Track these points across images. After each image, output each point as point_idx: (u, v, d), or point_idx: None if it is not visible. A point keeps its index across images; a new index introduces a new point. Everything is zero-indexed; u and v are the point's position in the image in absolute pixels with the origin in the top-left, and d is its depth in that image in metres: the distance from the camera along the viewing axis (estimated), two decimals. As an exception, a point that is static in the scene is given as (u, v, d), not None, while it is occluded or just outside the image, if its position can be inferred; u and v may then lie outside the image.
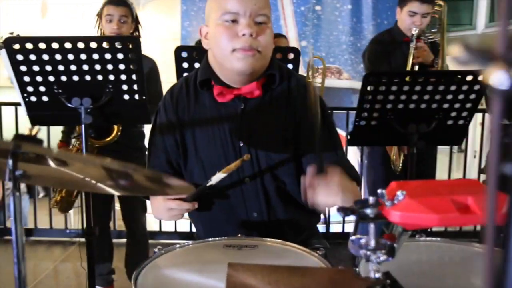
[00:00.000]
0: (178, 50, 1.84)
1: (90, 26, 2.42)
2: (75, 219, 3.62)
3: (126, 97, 1.85)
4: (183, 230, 3.54)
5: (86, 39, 1.75)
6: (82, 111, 1.82)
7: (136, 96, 1.85)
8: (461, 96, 1.87)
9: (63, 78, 1.81)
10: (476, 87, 1.85)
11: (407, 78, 1.83)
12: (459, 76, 1.82)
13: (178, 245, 1.12)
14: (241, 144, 1.30)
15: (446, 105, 1.89)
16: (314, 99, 1.15)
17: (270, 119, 1.31)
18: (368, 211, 0.73)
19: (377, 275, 0.71)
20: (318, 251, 1.07)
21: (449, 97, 1.87)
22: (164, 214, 1.27)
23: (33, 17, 5.21)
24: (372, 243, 0.73)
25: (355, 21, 4.82)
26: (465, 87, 1.85)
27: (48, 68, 1.78)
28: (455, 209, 0.70)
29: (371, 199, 0.73)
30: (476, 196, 0.72)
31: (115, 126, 2.19)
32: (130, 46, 1.75)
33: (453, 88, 1.85)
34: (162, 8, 5.05)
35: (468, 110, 1.92)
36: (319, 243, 1.39)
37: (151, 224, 2.59)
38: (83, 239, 3.42)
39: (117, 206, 2.61)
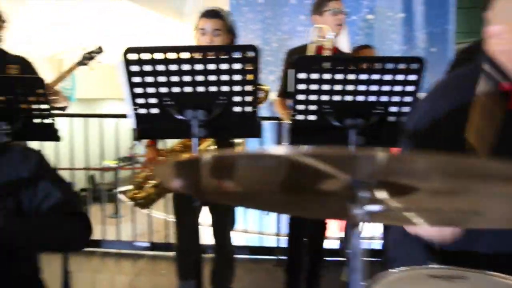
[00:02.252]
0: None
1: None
2: (125, 229, 3.58)
3: (237, 109, 1.78)
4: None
5: (203, 49, 1.69)
6: (195, 124, 1.75)
7: (249, 109, 1.78)
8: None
9: (176, 89, 1.74)
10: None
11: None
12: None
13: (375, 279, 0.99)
14: None
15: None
16: None
17: None
18: None
19: None
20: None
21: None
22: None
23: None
24: None
25: (408, 29, 4.73)
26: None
27: (162, 79, 1.72)
28: None
29: None
30: None
31: None
32: (249, 55, 1.68)
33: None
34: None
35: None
36: None
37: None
38: (152, 252, 3.40)
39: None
